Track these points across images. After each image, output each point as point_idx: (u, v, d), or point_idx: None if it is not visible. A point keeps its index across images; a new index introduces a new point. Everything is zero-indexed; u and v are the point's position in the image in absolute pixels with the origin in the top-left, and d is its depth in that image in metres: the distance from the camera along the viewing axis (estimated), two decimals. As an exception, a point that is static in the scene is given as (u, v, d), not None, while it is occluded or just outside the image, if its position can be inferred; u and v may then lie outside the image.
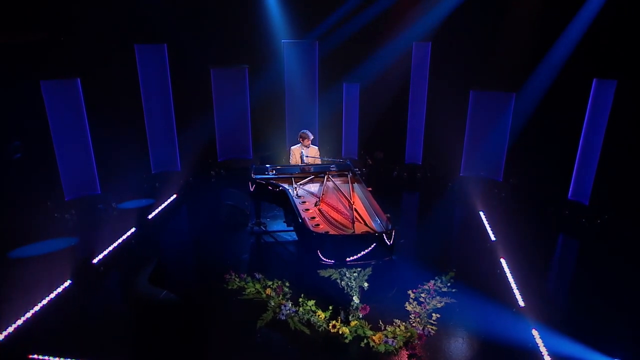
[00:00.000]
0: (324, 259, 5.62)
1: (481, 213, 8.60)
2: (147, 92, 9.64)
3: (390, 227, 5.76)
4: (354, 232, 5.84)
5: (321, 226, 6.09)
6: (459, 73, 9.51)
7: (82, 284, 6.48)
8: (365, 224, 6.13)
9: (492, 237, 7.74)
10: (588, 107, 8.37)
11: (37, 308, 5.86)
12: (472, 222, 8.40)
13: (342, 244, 5.57)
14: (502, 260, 6.96)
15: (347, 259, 5.59)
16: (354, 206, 6.48)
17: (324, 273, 5.72)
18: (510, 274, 6.64)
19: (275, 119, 10.77)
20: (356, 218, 6.18)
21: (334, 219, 6.26)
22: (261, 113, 10.71)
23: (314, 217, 6.33)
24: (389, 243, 5.65)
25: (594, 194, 8.45)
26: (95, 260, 7.01)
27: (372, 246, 5.58)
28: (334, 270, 5.72)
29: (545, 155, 8.93)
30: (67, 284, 6.40)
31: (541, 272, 7.01)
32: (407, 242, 7.62)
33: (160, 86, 9.72)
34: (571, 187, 8.86)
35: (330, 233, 5.83)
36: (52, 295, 6.14)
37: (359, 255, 5.59)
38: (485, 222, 8.27)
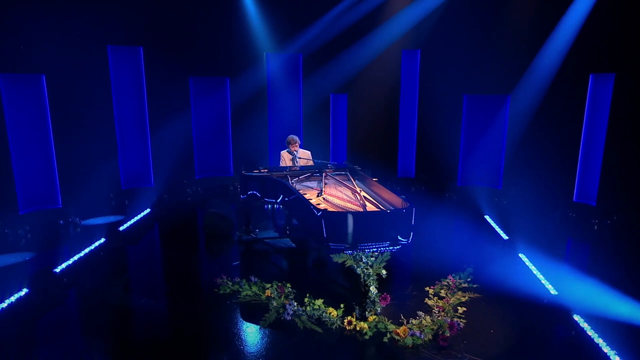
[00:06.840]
0: (337, 244, 4.86)
1: (487, 217, 8.09)
2: (120, 98, 8.83)
3: (408, 206, 5.10)
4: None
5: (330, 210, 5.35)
6: (450, 78, 9.22)
7: (41, 293, 5.38)
8: (379, 208, 5.46)
9: (504, 237, 7.19)
10: (587, 103, 8.14)
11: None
12: (479, 225, 7.88)
13: (358, 222, 4.83)
14: (522, 256, 6.40)
15: (364, 242, 4.86)
16: (361, 194, 5.85)
17: (337, 259, 4.95)
18: (534, 267, 6.08)
19: (258, 133, 10.11)
20: (367, 205, 5.51)
21: (342, 205, 5.56)
22: (243, 127, 10.04)
23: (319, 204, 5.59)
24: (409, 221, 4.99)
25: (600, 194, 8.06)
26: (57, 270, 5.94)
27: (390, 225, 4.90)
28: (348, 255, 4.96)
29: (545, 158, 8.54)
30: (22, 294, 5.30)
31: (564, 265, 6.41)
32: (415, 245, 6.91)
33: (134, 93, 8.95)
34: (576, 188, 8.47)
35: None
36: (4, 306, 5.05)
37: (375, 236, 4.87)
38: (494, 224, 7.75)
